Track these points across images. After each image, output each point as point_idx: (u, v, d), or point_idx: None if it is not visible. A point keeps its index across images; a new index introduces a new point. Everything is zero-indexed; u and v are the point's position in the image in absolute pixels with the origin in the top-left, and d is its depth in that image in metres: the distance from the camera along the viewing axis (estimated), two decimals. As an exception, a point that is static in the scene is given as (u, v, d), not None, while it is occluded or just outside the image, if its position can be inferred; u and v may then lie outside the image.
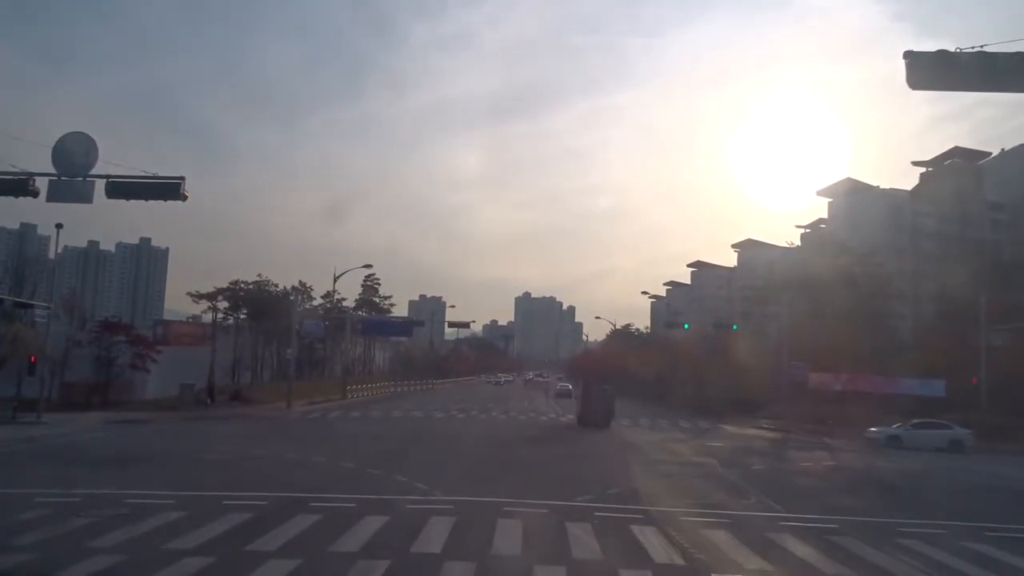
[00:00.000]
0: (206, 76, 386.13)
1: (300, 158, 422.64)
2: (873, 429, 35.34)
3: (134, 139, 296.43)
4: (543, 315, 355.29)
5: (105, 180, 21.56)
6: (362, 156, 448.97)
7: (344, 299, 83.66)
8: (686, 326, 69.73)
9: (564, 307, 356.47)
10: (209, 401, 41.69)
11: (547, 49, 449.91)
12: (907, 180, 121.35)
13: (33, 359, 33.95)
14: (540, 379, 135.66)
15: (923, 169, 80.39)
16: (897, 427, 34.82)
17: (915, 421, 35.29)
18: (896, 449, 32.61)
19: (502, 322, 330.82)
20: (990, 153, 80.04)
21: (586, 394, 39.60)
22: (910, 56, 11.93)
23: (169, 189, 21.67)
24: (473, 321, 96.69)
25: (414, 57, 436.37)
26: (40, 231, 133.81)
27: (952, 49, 11.82)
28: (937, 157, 78.42)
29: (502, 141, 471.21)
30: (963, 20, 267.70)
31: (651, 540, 11.40)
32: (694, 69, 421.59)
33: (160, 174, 21.85)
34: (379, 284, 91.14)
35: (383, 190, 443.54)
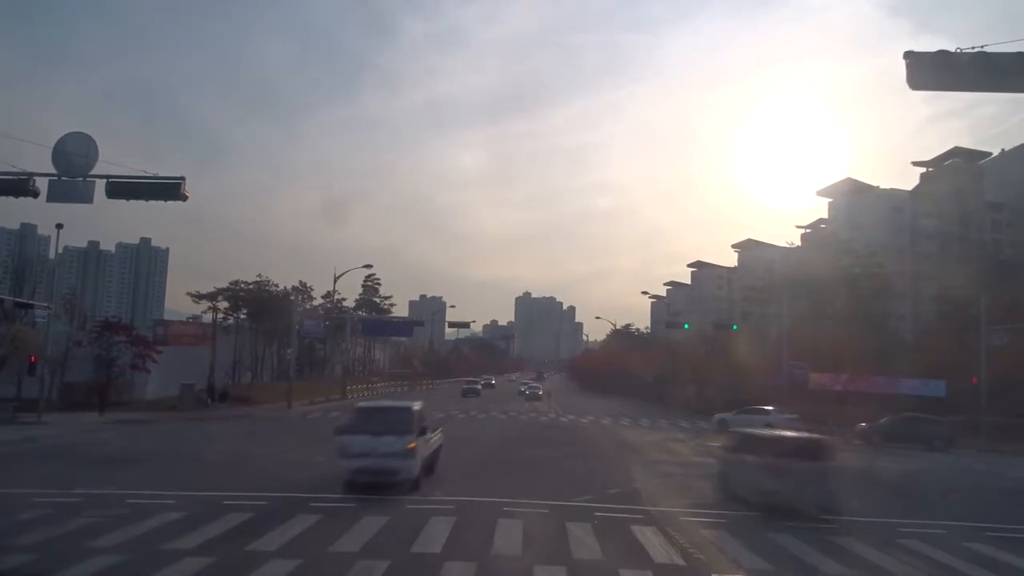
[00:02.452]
0: (203, 75, 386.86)
1: (299, 157, 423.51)
2: (716, 415, 40.50)
3: (131, 138, 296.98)
4: (543, 315, 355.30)
5: (105, 180, 21.57)
6: (361, 155, 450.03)
7: (344, 299, 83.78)
8: (686, 326, 69.72)
9: (564, 307, 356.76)
10: (209, 401, 41.71)
11: (544, 47, 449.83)
12: (907, 180, 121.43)
13: (33, 359, 34.00)
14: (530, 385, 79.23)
15: (923, 169, 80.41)
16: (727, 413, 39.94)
17: (744, 408, 39.93)
18: (724, 432, 34.47)
19: (502, 322, 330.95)
20: (990, 153, 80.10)
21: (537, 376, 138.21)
22: (910, 56, 11.94)
23: (169, 189, 21.68)
24: (473, 321, 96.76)
25: (411, 55, 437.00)
26: (40, 231, 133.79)
27: (952, 48, 11.83)
28: (937, 157, 78.42)
29: (501, 140, 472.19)
30: (961, 16, 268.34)
31: (651, 540, 11.40)
32: (693, 67, 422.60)
33: (159, 174, 21.87)
34: (379, 284, 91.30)
35: (383, 189, 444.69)
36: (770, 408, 38.96)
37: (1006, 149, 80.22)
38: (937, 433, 34.10)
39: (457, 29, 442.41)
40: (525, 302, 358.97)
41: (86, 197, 21.84)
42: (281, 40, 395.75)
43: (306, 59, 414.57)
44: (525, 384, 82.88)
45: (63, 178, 21.65)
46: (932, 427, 34.63)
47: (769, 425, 35.51)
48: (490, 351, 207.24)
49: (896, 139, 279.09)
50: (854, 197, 78.25)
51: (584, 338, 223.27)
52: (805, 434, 18.76)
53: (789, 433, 18.76)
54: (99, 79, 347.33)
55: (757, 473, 14.37)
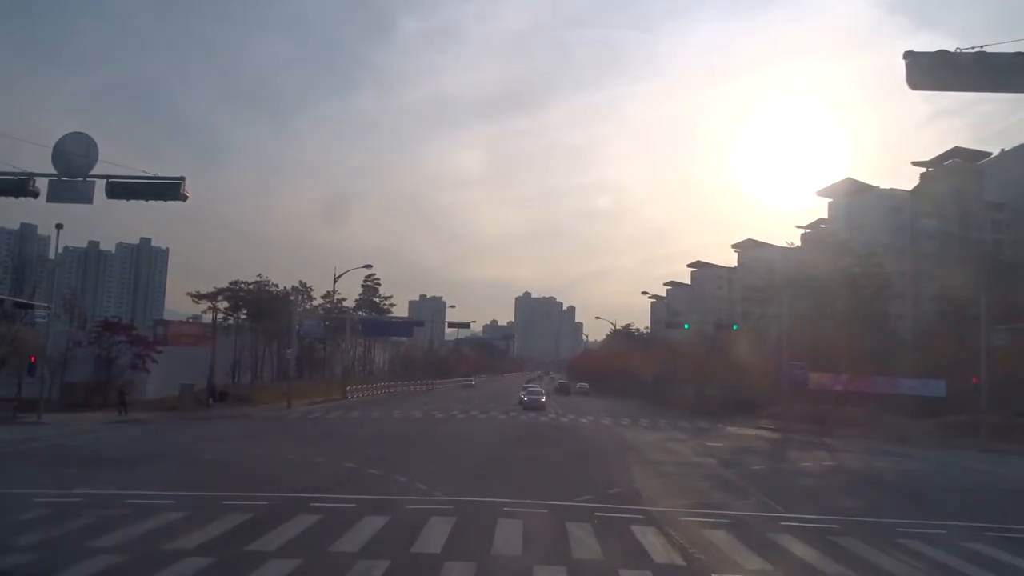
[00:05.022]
0: (201, 74, 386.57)
1: (298, 157, 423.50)
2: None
3: (129, 137, 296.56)
4: (543, 315, 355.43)
5: (105, 180, 21.57)
6: (361, 154, 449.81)
7: (344, 299, 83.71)
8: (686, 326, 69.74)
9: (564, 307, 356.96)
10: (210, 401, 41.72)
11: (541, 44, 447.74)
12: (907, 179, 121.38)
13: (33, 359, 34.00)
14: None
15: (923, 169, 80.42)
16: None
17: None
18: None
19: (502, 322, 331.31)
20: (990, 153, 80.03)
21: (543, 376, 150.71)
22: (910, 56, 11.93)
23: (169, 189, 21.68)
24: (473, 321, 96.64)
25: (408, 54, 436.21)
26: (40, 231, 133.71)
27: (951, 48, 11.84)
28: (937, 157, 78.42)
29: (500, 139, 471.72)
30: (961, 13, 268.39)
31: (651, 540, 11.39)
32: (692, 66, 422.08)
33: (159, 173, 21.88)
34: (379, 284, 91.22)
35: (382, 188, 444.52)
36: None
37: (1006, 149, 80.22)
38: None
39: (454, 27, 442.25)
40: (525, 302, 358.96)
41: (86, 197, 21.83)
42: (278, 39, 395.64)
43: (304, 58, 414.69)
44: (524, 388, 64.98)
45: (63, 178, 21.64)
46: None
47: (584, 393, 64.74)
48: (490, 351, 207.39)
49: (896, 137, 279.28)
50: (854, 197, 78.22)
51: (584, 338, 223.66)
52: None
53: None
54: (96, 78, 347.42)
55: None
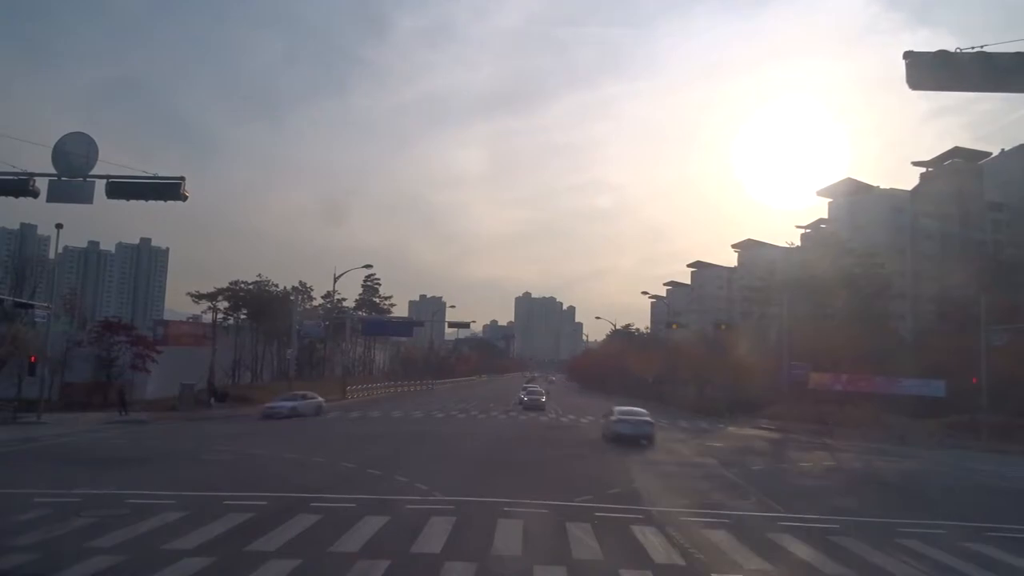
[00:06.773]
0: (198, 74, 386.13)
1: (297, 156, 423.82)
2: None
3: (126, 137, 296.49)
4: (543, 315, 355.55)
5: (105, 180, 21.57)
6: (360, 153, 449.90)
7: (344, 299, 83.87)
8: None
9: (564, 307, 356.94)
10: (212, 401, 41.73)
11: (537, 42, 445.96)
12: (907, 179, 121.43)
13: (33, 359, 34.01)
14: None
15: (923, 169, 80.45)
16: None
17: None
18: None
19: (502, 322, 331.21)
20: (990, 153, 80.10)
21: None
22: (910, 56, 11.94)
23: (169, 189, 21.67)
24: (473, 321, 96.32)
25: (404, 52, 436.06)
26: (40, 231, 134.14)
27: (951, 46, 11.86)
28: (937, 157, 78.45)
29: (498, 137, 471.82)
30: (959, 8, 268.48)
31: (651, 540, 11.40)
32: (691, 65, 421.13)
33: (159, 174, 21.88)
34: (379, 284, 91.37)
35: (381, 188, 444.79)
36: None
37: (1006, 149, 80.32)
38: None
39: (450, 25, 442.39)
40: (525, 302, 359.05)
41: (86, 197, 21.83)
42: (275, 38, 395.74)
43: (301, 57, 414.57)
44: (524, 388, 64.71)
45: (63, 178, 21.65)
46: None
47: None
48: (490, 351, 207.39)
49: (895, 136, 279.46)
50: (854, 197, 78.30)
51: (584, 338, 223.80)
52: None
53: None
54: (95, 78, 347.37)
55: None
